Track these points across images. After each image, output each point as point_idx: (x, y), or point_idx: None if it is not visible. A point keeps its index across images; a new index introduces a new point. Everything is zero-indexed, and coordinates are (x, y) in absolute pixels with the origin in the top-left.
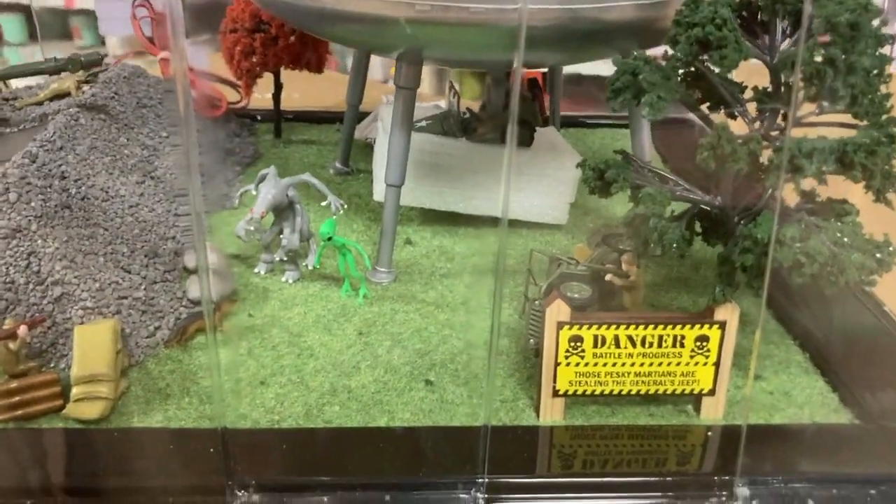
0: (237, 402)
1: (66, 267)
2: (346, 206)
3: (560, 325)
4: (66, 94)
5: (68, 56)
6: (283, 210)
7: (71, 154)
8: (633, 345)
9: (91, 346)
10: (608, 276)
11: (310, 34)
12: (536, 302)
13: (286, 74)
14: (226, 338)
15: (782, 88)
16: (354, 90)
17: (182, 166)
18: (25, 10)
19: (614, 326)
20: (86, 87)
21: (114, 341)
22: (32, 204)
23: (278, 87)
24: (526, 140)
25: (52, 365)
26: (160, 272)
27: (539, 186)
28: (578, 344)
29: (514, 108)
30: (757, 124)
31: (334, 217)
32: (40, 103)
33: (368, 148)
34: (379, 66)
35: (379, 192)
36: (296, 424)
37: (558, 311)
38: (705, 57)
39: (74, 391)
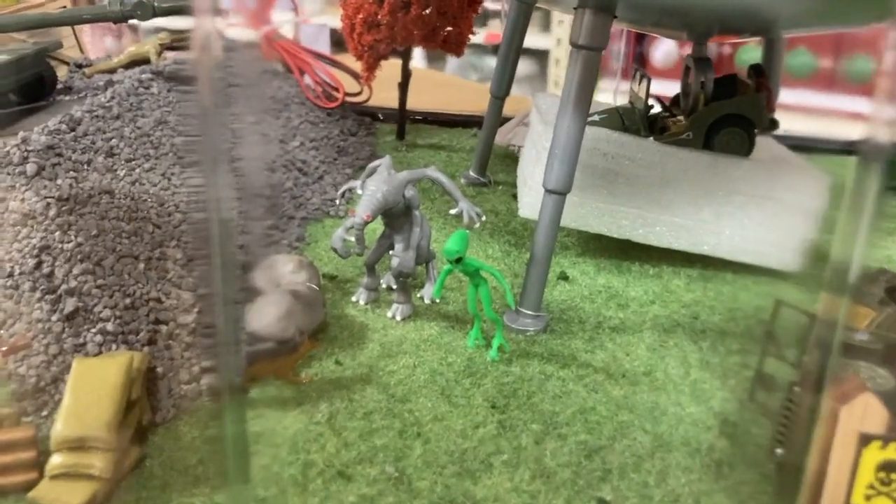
0: (300, 501)
1: (87, 272)
2: (483, 218)
3: (865, 441)
4: (146, 61)
5: (136, 0)
6: (396, 217)
7: (129, 126)
8: None
9: (88, 393)
10: None
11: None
12: (796, 389)
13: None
14: (299, 394)
15: None
16: (501, 79)
17: (269, 159)
18: None
19: None
20: (169, 54)
21: (124, 387)
22: (58, 182)
23: (406, 74)
24: (743, 146)
25: (44, 414)
26: None
27: (760, 214)
28: (893, 477)
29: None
30: None
31: (466, 230)
32: (113, 70)
33: (510, 159)
34: None
35: (527, 205)
36: None
37: (864, 413)
38: None
39: (52, 462)
